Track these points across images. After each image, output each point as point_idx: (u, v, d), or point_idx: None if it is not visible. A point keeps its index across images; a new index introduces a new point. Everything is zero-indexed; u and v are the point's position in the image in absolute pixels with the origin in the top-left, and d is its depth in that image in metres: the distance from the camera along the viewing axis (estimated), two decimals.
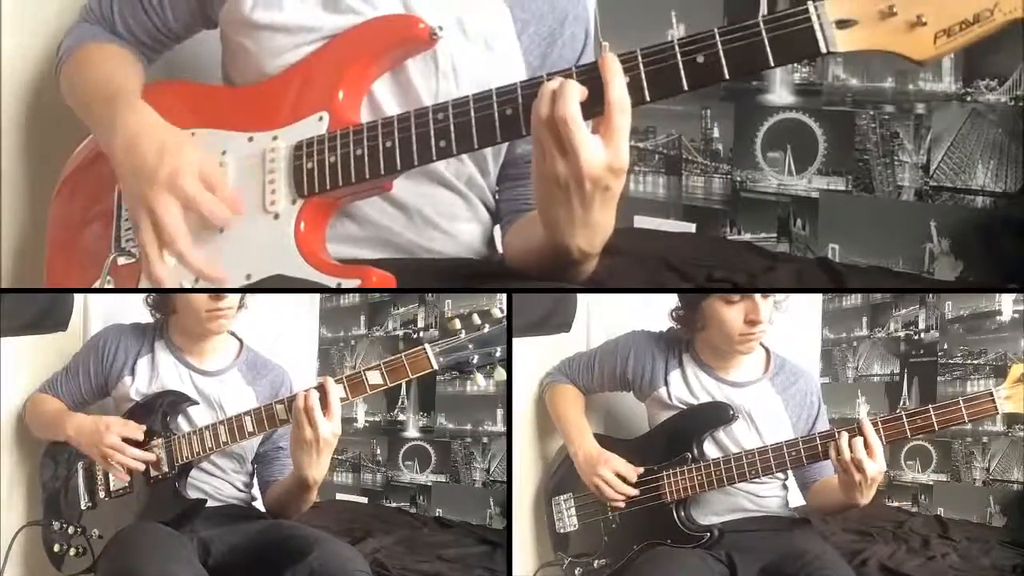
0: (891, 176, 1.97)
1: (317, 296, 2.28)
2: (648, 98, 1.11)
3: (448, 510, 2.19)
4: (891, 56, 1.06)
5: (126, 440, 1.45)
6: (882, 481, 1.46)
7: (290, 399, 1.39)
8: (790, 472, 1.55)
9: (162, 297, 1.55)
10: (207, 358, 1.59)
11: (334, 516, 2.10)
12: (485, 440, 2.18)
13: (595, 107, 1.10)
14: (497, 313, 1.37)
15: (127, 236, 1.33)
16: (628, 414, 1.72)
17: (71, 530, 1.51)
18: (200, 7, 1.40)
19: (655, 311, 1.65)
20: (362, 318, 2.34)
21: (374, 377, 1.37)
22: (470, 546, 1.95)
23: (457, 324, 1.37)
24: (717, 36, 1.09)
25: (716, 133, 2.18)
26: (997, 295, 2.03)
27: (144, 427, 1.47)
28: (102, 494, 1.50)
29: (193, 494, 1.49)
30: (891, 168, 1.97)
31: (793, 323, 1.83)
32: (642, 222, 2.25)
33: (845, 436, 1.40)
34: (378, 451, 2.34)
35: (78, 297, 1.68)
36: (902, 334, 2.24)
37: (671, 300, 1.62)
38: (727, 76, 1.09)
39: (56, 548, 1.52)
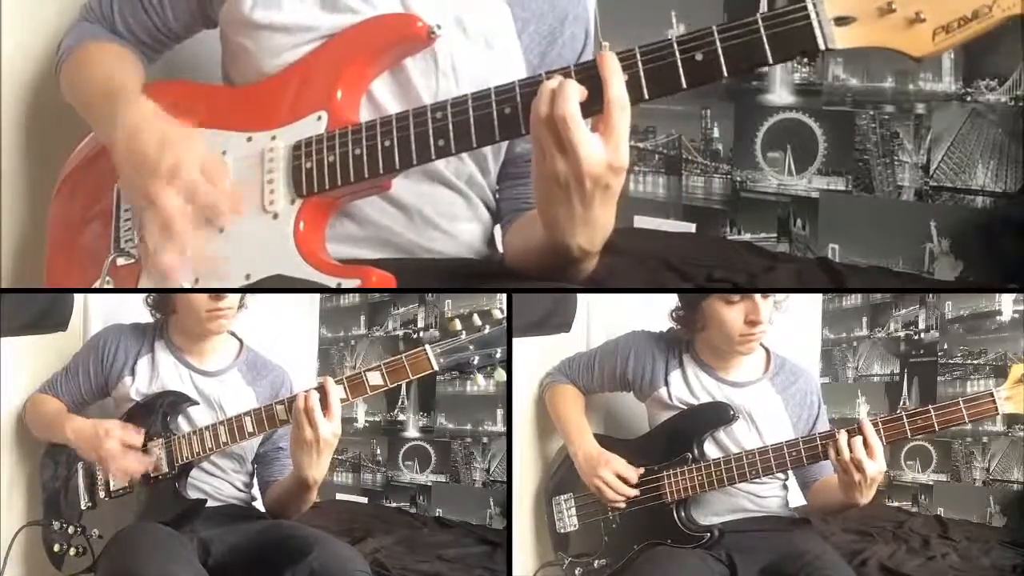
0: (891, 176, 1.97)
1: (317, 296, 2.28)
2: (647, 96, 1.11)
3: (448, 510, 2.19)
4: (890, 53, 1.06)
5: (126, 444, 1.45)
6: (882, 481, 1.46)
7: (290, 399, 1.39)
8: (790, 472, 1.55)
9: (162, 297, 1.55)
10: (207, 358, 1.59)
11: (334, 516, 2.11)
12: (485, 440, 2.18)
13: (594, 105, 1.10)
14: (497, 314, 1.37)
15: (126, 237, 1.33)
16: (628, 414, 1.72)
17: (71, 530, 1.51)
18: (200, 6, 1.40)
19: (655, 311, 1.64)
20: (362, 318, 2.34)
21: (374, 378, 1.37)
22: (470, 546, 1.95)
23: (457, 325, 1.37)
24: (715, 33, 1.09)
25: (716, 133, 2.18)
26: (997, 295, 2.02)
27: (143, 431, 1.47)
28: (102, 494, 1.50)
29: (193, 494, 1.49)
30: (891, 168, 1.97)
31: (793, 323, 1.83)
32: (642, 222, 2.25)
33: (844, 436, 1.40)
34: (378, 451, 2.34)
35: (78, 297, 1.67)
36: (902, 334, 2.24)
37: (671, 300, 1.62)
38: (725, 74, 1.09)
39: (56, 548, 1.52)
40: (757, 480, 1.52)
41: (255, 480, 1.62)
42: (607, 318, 1.80)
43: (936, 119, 1.90)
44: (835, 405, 2.20)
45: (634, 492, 1.53)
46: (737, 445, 1.54)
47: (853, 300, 2.30)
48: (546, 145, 1.09)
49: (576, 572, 1.60)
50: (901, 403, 2.21)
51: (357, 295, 2.28)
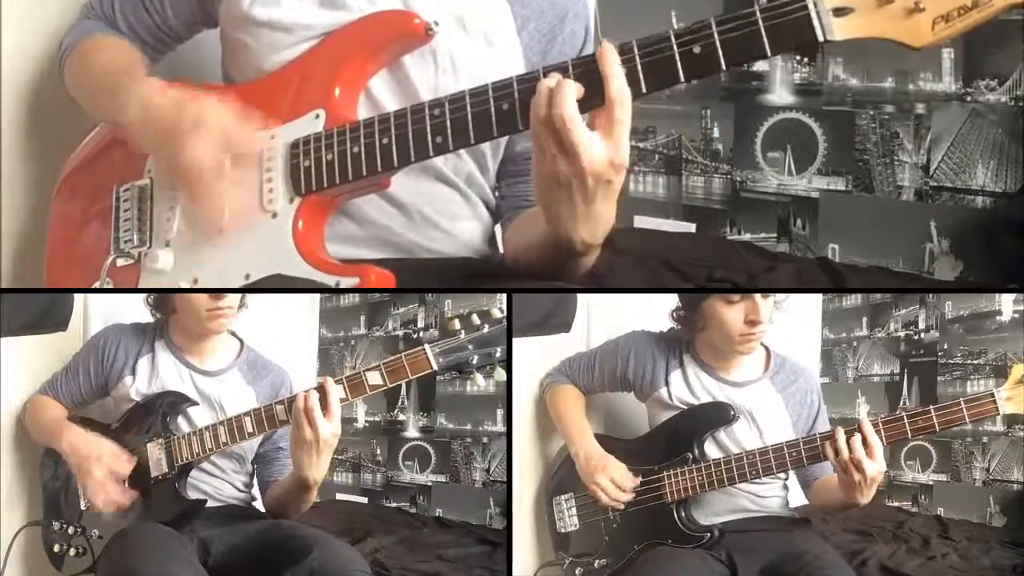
0: (891, 176, 1.97)
1: (317, 296, 2.28)
2: (644, 89, 1.10)
3: (448, 510, 2.19)
4: (889, 44, 1.05)
5: (112, 472, 1.45)
6: (882, 481, 1.46)
7: (290, 400, 1.39)
8: (791, 472, 1.55)
9: (162, 297, 1.55)
10: (207, 358, 1.59)
11: (334, 516, 2.11)
12: (485, 440, 2.18)
13: (593, 100, 1.09)
14: (497, 313, 1.36)
15: (125, 237, 1.33)
16: (628, 414, 1.72)
17: (71, 530, 1.51)
18: (200, 4, 1.40)
19: (655, 311, 1.64)
20: (362, 318, 2.34)
21: (374, 378, 1.37)
22: (470, 546, 1.95)
23: (457, 324, 1.36)
24: (714, 26, 1.08)
25: (716, 133, 2.18)
26: (997, 295, 2.02)
27: (134, 460, 1.46)
28: None
29: (193, 494, 1.49)
30: (891, 168, 1.97)
31: (793, 323, 1.83)
32: (642, 222, 2.25)
33: (844, 435, 1.40)
34: (378, 451, 2.34)
35: (78, 297, 1.67)
36: (902, 334, 2.23)
37: (671, 300, 1.61)
38: (724, 66, 1.08)
39: (56, 548, 1.52)
40: (757, 480, 1.52)
41: (255, 480, 1.61)
42: (607, 318, 1.80)
43: (936, 119, 1.91)
44: (835, 405, 2.20)
45: (628, 497, 1.54)
46: (737, 445, 1.54)
47: (853, 300, 2.30)
48: (546, 145, 1.09)
49: (576, 572, 1.60)
50: (901, 403, 2.21)
51: (357, 295, 2.28)
